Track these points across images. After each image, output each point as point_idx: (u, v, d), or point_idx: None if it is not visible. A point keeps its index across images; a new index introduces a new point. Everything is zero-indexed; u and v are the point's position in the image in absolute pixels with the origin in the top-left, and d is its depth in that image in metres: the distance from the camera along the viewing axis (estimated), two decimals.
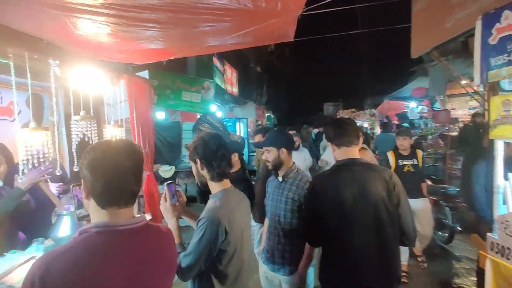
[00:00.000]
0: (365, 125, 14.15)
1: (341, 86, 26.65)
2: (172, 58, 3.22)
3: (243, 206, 1.68)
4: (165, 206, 1.58)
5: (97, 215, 1.00)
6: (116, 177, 0.97)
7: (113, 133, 2.42)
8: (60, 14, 1.97)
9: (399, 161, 3.86)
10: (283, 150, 2.24)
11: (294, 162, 2.32)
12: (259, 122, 15.95)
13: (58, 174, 2.20)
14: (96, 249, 0.92)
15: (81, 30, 2.21)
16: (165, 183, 1.59)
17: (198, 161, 1.58)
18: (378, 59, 21.15)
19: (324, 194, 1.77)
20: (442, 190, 4.83)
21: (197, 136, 1.61)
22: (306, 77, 24.66)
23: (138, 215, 1.07)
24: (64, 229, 2.14)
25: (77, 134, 2.03)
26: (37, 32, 2.25)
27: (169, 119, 7.52)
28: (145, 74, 3.69)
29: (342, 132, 1.88)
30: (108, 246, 0.94)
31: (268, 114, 20.31)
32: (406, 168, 3.81)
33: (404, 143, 3.86)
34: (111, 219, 0.99)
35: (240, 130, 11.76)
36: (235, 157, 2.69)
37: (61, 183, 2.64)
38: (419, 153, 3.94)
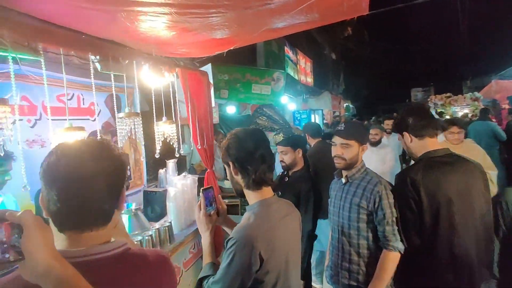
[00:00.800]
0: (465, 111, 11.91)
1: (432, 68, 23.43)
2: (232, 48, 3.04)
3: (289, 222, 1.29)
4: (198, 216, 1.32)
5: (56, 240, 0.76)
6: (75, 190, 0.73)
7: (164, 130, 2.36)
8: (114, 10, 1.95)
9: None
10: (365, 147, 1.85)
11: (362, 160, 1.90)
12: (337, 113, 15.11)
13: None
14: None
15: (136, 25, 2.19)
16: (201, 188, 1.33)
17: (231, 164, 1.24)
18: (482, 30, 17.51)
19: (427, 189, 1.63)
20: None
21: (230, 133, 1.27)
22: (389, 61, 22.18)
23: (114, 241, 0.81)
24: None
25: (122, 133, 1.99)
26: (107, 34, 2.33)
27: (241, 113, 7.56)
28: (207, 68, 3.62)
29: (427, 122, 1.73)
30: None
31: (346, 104, 19.06)
32: None
33: None
34: (69, 247, 0.75)
35: (315, 122, 11.32)
36: (299, 154, 2.38)
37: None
38: None
